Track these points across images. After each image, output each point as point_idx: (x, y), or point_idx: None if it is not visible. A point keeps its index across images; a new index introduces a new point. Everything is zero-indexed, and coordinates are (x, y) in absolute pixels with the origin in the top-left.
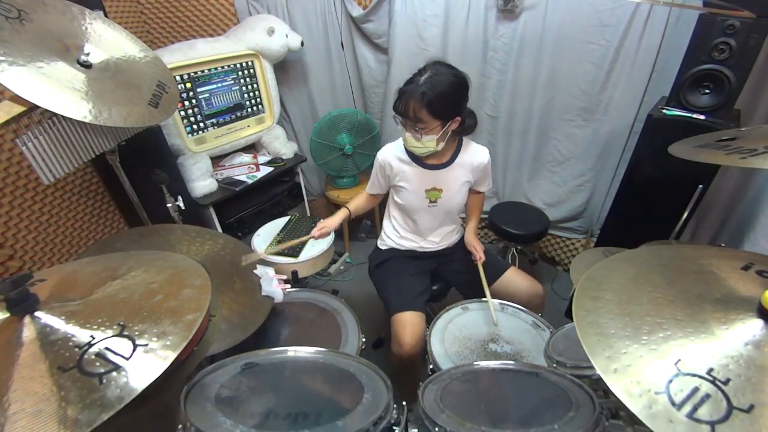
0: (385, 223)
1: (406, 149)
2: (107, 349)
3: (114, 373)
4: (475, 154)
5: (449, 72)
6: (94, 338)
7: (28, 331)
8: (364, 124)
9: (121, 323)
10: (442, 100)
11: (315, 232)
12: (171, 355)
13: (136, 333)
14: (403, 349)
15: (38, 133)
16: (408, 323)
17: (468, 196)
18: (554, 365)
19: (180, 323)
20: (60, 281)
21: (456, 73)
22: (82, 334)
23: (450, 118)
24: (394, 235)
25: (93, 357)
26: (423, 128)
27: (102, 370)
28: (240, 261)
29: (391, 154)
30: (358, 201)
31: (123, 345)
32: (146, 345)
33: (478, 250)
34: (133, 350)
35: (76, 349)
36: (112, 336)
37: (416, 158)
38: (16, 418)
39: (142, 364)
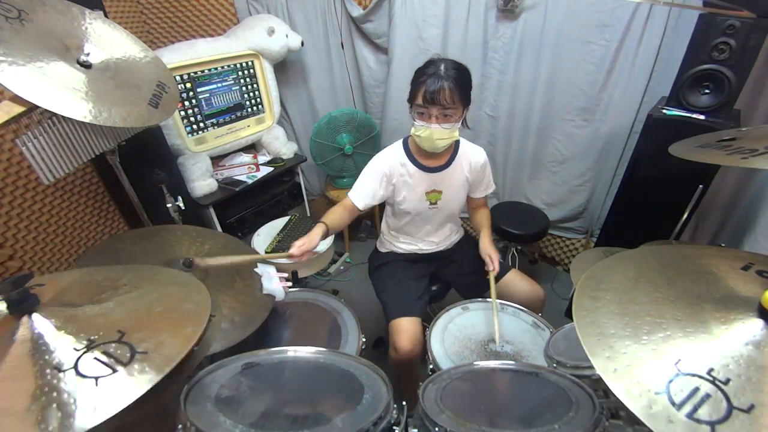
0: (384, 225)
1: (408, 154)
2: (106, 353)
3: (111, 377)
4: (472, 153)
5: (457, 62)
6: (93, 342)
7: (25, 331)
8: (364, 124)
9: (121, 330)
10: (467, 85)
11: (293, 250)
12: (168, 366)
13: (135, 340)
14: (399, 354)
15: (38, 133)
16: (404, 329)
17: (470, 206)
18: (554, 365)
19: (179, 336)
20: (60, 288)
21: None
22: (81, 337)
23: (467, 105)
24: (393, 238)
25: (91, 360)
26: (452, 115)
27: (99, 373)
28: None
29: (394, 159)
30: (335, 215)
31: (122, 350)
32: (145, 353)
33: (493, 260)
34: (132, 356)
35: (75, 351)
36: (112, 341)
37: (417, 162)
38: (6, 414)
39: (140, 371)
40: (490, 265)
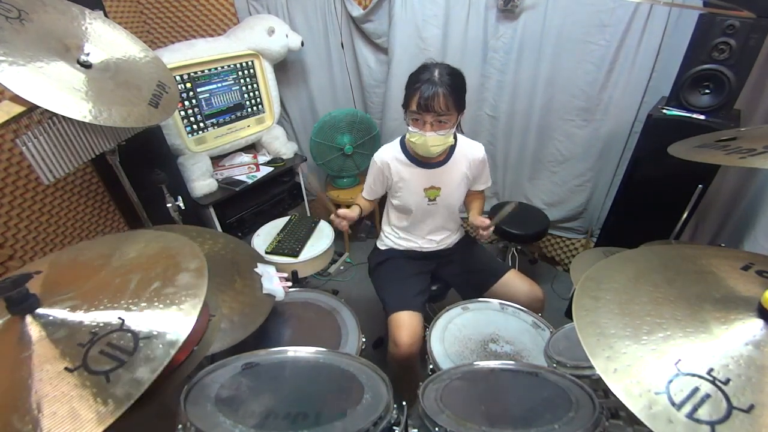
0: (384, 223)
1: (405, 150)
2: (110, 345)
3: (120, 370)
4: (470, 149)
5: (451, 67)
6: (96, 335)
7: (32, 332)
8: (364, 124)
9: (121, 318)
10: (461, 91)
11: (339, 211)
12: (174, 346)
13: (137, 326)
14: (399, 350)
15: (38, 133)
16: (405, 323)
17: (468, 197)
18: (554, 365)
19: (180, 312)
20: (55, 274)
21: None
22: (83, 331)
23: (462, 110)
24: (392, 235)
25: (97, 354)
26: (446, 121)
27: (108, 368)
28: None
29: (389, 155)
30: (361, 201)
31: (125, 340)
32: (148, 338)
33: (483, 221)
34: (136, 345)
35: (80, 347)
36: (113, 331)
37: (414, 158)
38: (30, 420)
39: (146, 358)
40: (483, 225)
